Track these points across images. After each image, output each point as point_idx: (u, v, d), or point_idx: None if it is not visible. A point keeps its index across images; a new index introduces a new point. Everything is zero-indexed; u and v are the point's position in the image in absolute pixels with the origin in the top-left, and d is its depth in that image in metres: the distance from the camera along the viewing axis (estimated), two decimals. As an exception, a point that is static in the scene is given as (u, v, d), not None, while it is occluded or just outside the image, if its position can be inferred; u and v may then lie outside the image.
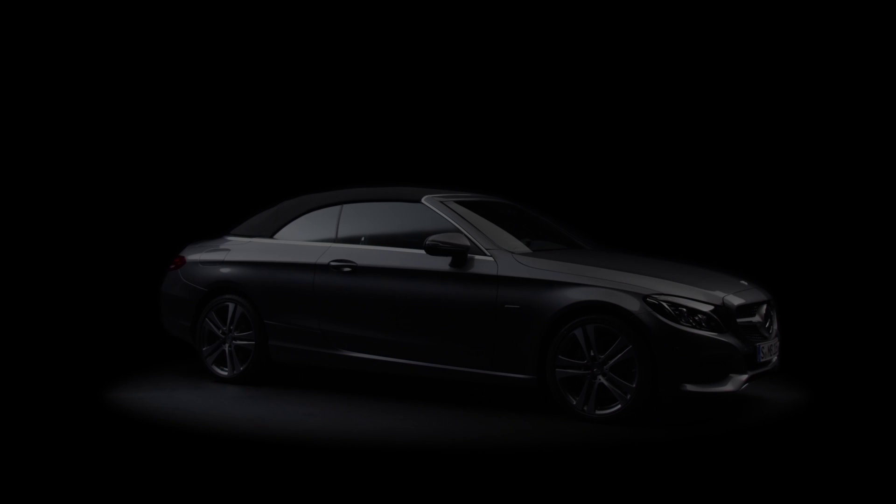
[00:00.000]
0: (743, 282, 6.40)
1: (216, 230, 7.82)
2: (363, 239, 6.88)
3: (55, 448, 5.25)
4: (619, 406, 5.78)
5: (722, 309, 5.87)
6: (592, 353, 5.82)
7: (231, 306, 7.22)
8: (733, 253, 9.46)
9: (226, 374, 7.25)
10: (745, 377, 5.87)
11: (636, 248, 7.64)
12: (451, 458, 5.17)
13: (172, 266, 7.68)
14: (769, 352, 6.15)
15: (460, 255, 6.27)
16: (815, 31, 9.98)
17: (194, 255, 7.56)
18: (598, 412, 5.84)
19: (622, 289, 5.82)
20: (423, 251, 6.40)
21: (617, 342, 5.76)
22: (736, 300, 5.98)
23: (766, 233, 10.13)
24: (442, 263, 6.34)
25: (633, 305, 5.74)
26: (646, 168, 10.43)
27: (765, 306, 6.25)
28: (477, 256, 6.28)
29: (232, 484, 4.63)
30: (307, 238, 7.12)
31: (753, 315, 6.10)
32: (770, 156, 10.25)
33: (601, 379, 5.82)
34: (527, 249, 6.55)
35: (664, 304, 5.73)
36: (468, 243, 6.29)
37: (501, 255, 6.24)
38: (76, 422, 5.89)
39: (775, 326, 6.48)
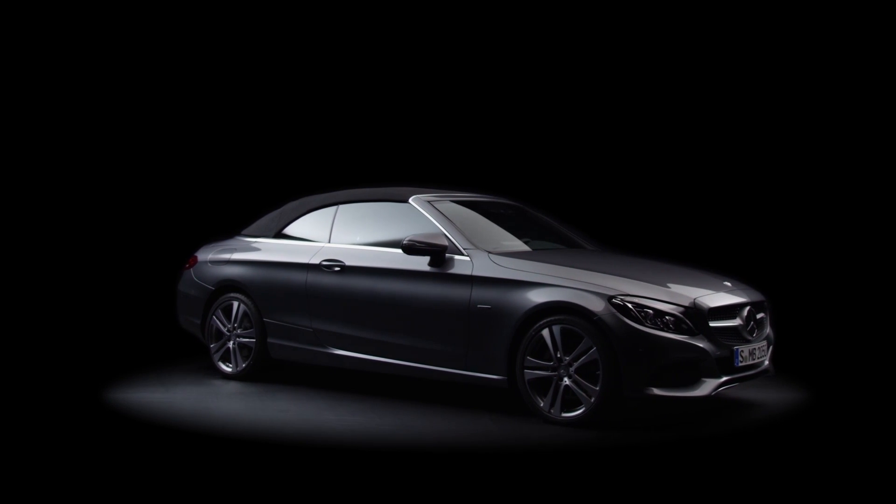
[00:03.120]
0: (727, 283, 6.20)
1: (232, 230, 8.03)
2: (358, 239, 6.97)
3: (55, 448, 5.30)
4: (584, 409, 5.68)
5: (693, 311, 5.70)
6: (559, 355, 5.74)
7: (235, 304, 7.41)
8: (734, 253, 9.41)
9: (230, 370, 7.44)
10: (718, 382, 5.69)
11: (637, 249, 7.49)
12: (412, 458, 5.18)
13: (187, 265, 7.93)
14: (750, 356, 5.94)
15: (437, 255, 6.27)
16: (808, 32, 9.92)
17: (205, 255, 7.79)
18: (563, 415, 5.75)
19: (589, 289, 5.72)
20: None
21: (581, 343, 5.67)
22: (710, 302, 5.79)
23: (768, 234, 10.05)
24: (422, 263, 6.36)
25: (597, 306, 5.63)
26: (648, 168, 10.36)
27: (747, 309, 6.03)
28: (456, 256, 6.26)
29: (214, 482, 4.68)
30: (305, 238, 7.25)
31: (733, 318, 5.90)
32: (772, 157, 10.17)
33: (567, 381, 5.73)
34: (525, 248, 6.55)
35: (629, 306, 5.60)
36: (446, 243, 6.28)
37: (478, 254, 6.20)
38: (76, 422, 5.95)
39: (767, 330, 6.26)
